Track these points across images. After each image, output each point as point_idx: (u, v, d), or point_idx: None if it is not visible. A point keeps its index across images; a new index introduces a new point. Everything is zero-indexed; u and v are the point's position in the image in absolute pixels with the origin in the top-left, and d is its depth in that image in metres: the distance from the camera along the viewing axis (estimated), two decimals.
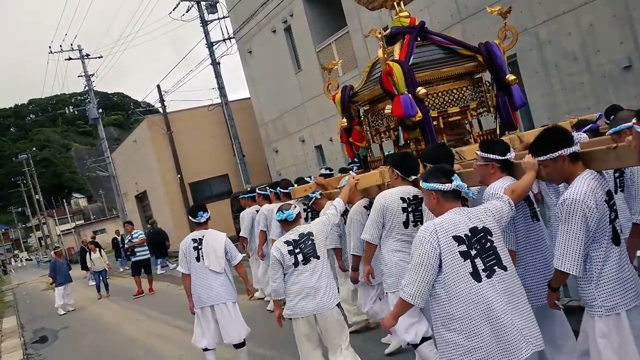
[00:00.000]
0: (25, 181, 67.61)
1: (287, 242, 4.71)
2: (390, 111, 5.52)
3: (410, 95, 5.39)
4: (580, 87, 10.38)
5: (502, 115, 5.90)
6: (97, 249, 16.99)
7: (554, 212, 4.24)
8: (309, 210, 7.45)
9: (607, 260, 3.12)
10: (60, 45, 30.37)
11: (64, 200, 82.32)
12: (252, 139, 23.62)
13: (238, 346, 6.10)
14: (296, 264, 4.66)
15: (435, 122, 5.64)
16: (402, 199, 4.60)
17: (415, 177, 4.68)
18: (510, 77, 5.81)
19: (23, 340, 12.18)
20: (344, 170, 8.62)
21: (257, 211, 8.98)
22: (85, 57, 30.81)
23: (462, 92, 5.89)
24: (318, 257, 4.68)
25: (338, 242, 6.37)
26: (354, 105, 6.57)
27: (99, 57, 32.04)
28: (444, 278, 3.09)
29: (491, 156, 3.78)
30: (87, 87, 31.29)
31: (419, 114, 5.40)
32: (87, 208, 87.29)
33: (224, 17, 23.00)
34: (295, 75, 19.53)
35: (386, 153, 6.75)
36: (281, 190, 8.08)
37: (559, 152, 3.18)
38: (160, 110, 26.44)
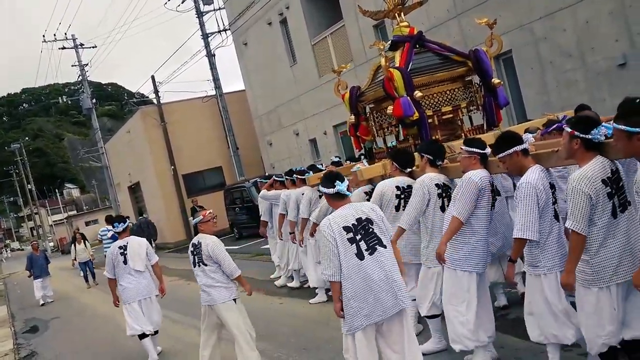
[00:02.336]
0: (17, 171, 67.13)
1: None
2: (391, 111, 6.39)
3: (408, 97, 6.24)
4: (575, 84, 10.40)
5: (487, 113, 6.80)
6: (82, 241, 17.21)
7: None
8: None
9: (551, 232, 4.00)
10: (54, 35, 30.18)
11: (57, 191, 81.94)
12: (247, 131, 23.56)
13: (153, 333, 7.17)
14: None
15: (430, 120, 6.47)
16: (398, 187, 5.53)
17: (410, 169, 5.58)
18: (495, 80, 6.78)
19: (13, 330, 12.13)
20: (351, 160, 9.39)
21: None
22: (79, 46, 30.62)
23: (454, 93, 6.80)
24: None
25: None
26: (360, 103, 7.50)
27: (93, 47, 31.90)
28: (341, 259, 4.02)
29: (475, 150, 4.63)
30: (80, 77, 31.11)
31: (416, 114, 6.26)
32: (79, 198, 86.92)
33: (219, 9, 22.92)
34: (291, 68, 19.49)
35: (389, 145, 7.79)
36: (297, 176, 8.64)
37: (513, 149, 4.11)
38: (155, 101, 26.33)
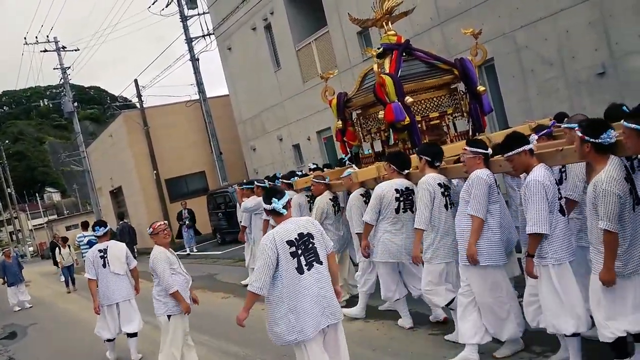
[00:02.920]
0: None
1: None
2: (382, 116, 6.61)
3: (400, 103, 6.49)
4: (556, 92, 10.53)
5: (473, 119, 7.09)
6: (67, 245, 17.32)
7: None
8: (310, 200, 8.11)
9: (557, 225, 4.21)
10: (36, 37, 29.85)
11: (37, 195, 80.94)
12: (230, 136, 23.49)
13: (133, 335, 7.30)
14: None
15: (418, 125, 6.74)
16: (397, 189, 5.77)
17: (408, 171, 5.87)
18: (481, 88, 7.06)
19: None
20: (327, 166, 9.68)
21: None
22: (62, 49, 30.35)
23: (441, 99, 7.06)
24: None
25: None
26: (347, 109, 7.76)
27: (75, 50, 31.61)
28: (281, 272, 4.13)
29: (479, 150, 4.87)
30: (62, 80, 30.82)
31: (407, 119, 6.52)
32: (60, 203, 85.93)
33: (204, 13, 22.85)
34: (275, 74, 19.48)
35: (366, 153, 8.15)
36: (283, 181, 8.80)
37: (522, 148, 4.32)
38: (137, 105, 26.16)
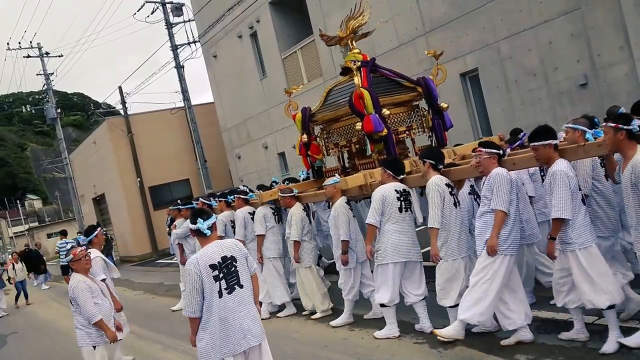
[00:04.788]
0: None
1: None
2: (360, 127, 6.91)
3: (377, 115, 6.83)
4: (539, 102, 10.66)
5: (436, 134, 7.55)
6: (19, 260, 18.18)
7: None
8: (275, 213, 8.29)
9: (579, 212, 4.61)
10: (19, 42, 29.65)
11: (18, 202, 79.85)
12: (215, 144, 23.40)
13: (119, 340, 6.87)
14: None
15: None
16: (396, 190, 6.04)
17: (403, 175, 6.18)
18: (444, 104, 7.58)
19: None
20: (293, 180, 9.62)
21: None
22: (45, 55, 30.10)
23: (406, 115, 7.58)
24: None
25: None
26: (312, 123, 8.07)
27: (59, 56, 31.39)
28: (205, 296, 4.18)
29: (493, 150, 5.22)
30: (45, 86, 30.54)
31: (385, 130, 6.87)
32: (41, 210, 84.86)
33: (189, 21, 22.78)
34: (260, 82, 19.48)
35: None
36: (238, 196, 8.72)
37: (549, 141, 4.70)
38: (122, 112, 25.96)
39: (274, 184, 9.79)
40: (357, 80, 7.08)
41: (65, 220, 64.11)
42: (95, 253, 6.88)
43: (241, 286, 4.27)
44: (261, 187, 9.19)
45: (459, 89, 12.26)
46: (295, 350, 6.41)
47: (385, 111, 7.01)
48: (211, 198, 9.78)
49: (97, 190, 28.36)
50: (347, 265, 6.83)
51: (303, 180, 9.47)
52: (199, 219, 4.28)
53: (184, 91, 22.96)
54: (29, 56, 29.92)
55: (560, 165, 4.64)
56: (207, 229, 4.29)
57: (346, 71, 7.75)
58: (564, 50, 10.09)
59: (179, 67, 22.83)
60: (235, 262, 4.28)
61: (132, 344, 8.07)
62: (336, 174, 7.53)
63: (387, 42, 13.70)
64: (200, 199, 9.93)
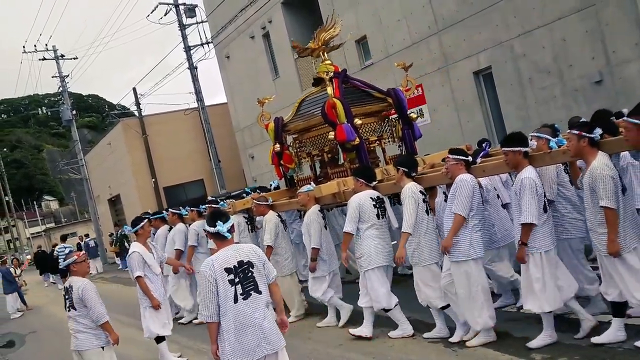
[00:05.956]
0: None
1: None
2: (333, 137, 7.11)
3: (349, 124, 7.04)
4: (553, 100, 10.58)
5: (406, 143, 7.79)
6: (18, 266, 18.74)
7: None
8: (248, 222, 8.59)
9: (540, 219, 4.81)
10: (35, 45, 29.81)
11: (35, 203, 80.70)
12: (229, 144, 23.50)
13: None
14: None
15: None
16: (372, 198, 6.19)
17: (375, 182, 6.37)
18: (413, 115, 7.89)
19: None
20: (263, 189, 9.75)
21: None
22: (60, 57, 30.35)
23: (377, 125, 7.83)
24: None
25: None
26: (285, 133, 8.28)
27: (74, 58, 31.61)
28: (220, 300, 4.06)
29: (461, 157, 5.42)
30: (61, 88, 30.83)
31: (357, 139, 7.09)
32: (58, 211, 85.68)
33: (202, 22, 22.89)
34: (273, 82, 19.53)
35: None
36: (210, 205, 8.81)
37: (520, 148, 4.92)
38: (136, 113, 26.16)
39: (244, 194, 9.82)
40: (329, 90, 7.28)
41: (81, 221, 64.72)
42: (135, 247, 6.93)
43: (259, 292, 4.16)
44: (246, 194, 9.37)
45: (472, 87, 12.21)
46: (311, 350, 6.43)
47: (358, 121, 7.19)
48: (181, 207, 9.74)
49: (113, 191, 28.61)
50: (315, 273, 6.99)
51: (274, 189, 9.63)
52: (218, 221, 4.19)
53: (198, 92, 23.08)
54: (44, 59, 30.19)
55: (528, 172, 4.85)
56: (227, 231, 4.21)
57: (318, 82, 7.99)
58: (578, 47, 10.01)
59: (192, 68, 22.95)
60: (252, 267, 4.18)
61: (145, 342, 8.08)
62: (311, 182, 7.71)
63: (400, 41, 13.68)
64: (170, 209, 9.86)
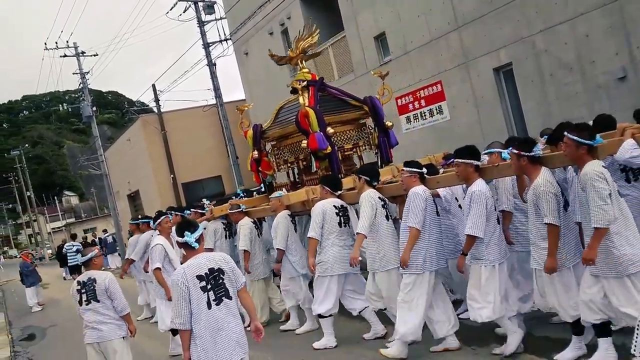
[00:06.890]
0: (16, 178, 66.93)
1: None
2: (306, 145, 7.29)
3: (322, 133, 7.19)
4: (575, 97, 10.43)
5: (382, 151, 7.97)
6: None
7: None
8: (226, 228, 8.69)
9: (494, 232, 4.95)
10: (56, 42, 30.07)
11: (55, 198, 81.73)
12: (246, 141, 23.49)
13: None
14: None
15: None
16: (335, 206, 6.36)
17: (340, 192, 6.52)
18: (388, 123, 8.01)
19: (11, 338, 12.08)
20: (249, 193, 10.06)
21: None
22: (81, 54, 30.61)
23: (353, 132, 7.99)
24: None
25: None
26: (263, 140, 8.52)
27: (94, 55, 31.83)
28: (192, 307, 4.13)
29: (415, 169, 5.55)
30: (81, 85, 31.11)
31: (329, 148, 7.24)
32: (78, 206, 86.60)
33: (221, 18, 22.95)
34: (291, 78, 19.50)
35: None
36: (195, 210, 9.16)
37: (471, 161, 5.02)
38: (155, 109, 26.33)
39: (233, 196, 9.90)
40: (302, 99, 7.44)
41: (101, 216, 65.42)
42: (158, 240, 7.17)
43: (230, 298, 4.28)
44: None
45: (492, 84, 12.09)
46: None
47: (330, 129, 7.33)
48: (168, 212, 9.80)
49: (132, 187, 28.86)
50: (285, 274, 7.22)
51: (240, 197, 9.82)
52: (186, 231, 4.30)
53: (216, 89, 23.14)
54: (65, 55, 30.45)
55: (478, 185, 4.93)
56: (195, 241, 4.32)
57: (296, 90, 8.06)
58: (601, 42, 9.85)
59: (211, 65, 23.01)
60: (223, 274, 4.28)
61: (166, 338, 8.15)
62: (283, 189, 7.91)
63: (420, 38, 13.58)
64: (172, 210, 9.85)
